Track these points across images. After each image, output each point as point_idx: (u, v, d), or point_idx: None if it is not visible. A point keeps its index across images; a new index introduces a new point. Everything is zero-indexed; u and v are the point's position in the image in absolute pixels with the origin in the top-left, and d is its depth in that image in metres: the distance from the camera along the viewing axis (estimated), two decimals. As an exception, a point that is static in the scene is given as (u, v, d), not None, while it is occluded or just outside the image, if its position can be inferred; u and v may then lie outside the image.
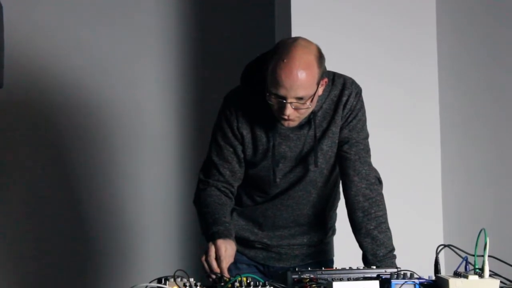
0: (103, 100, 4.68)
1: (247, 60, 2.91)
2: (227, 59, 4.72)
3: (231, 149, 2.86)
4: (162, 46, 4.76)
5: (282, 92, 2.62)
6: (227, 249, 2.68)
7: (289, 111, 2.66)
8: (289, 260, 3.02)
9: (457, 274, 2.41)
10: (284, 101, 2.64)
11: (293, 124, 2.75)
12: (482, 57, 4.15)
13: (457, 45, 4.28)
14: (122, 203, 4.68)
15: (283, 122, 2.73)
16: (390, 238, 2.89)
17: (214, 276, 2.62)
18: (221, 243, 2.68)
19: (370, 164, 2.92)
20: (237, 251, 2.87)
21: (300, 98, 2.65)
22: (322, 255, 3.08)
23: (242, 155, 2.87)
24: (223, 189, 2.89)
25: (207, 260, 2.66)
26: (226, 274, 2.62)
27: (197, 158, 4.51)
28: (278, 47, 2.68)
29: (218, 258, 2.65)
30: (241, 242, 2.96)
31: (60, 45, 4.67)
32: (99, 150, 4.68)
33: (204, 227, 2.81)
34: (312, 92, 2.66)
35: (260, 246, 3.00)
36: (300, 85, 2.61)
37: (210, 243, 2.69)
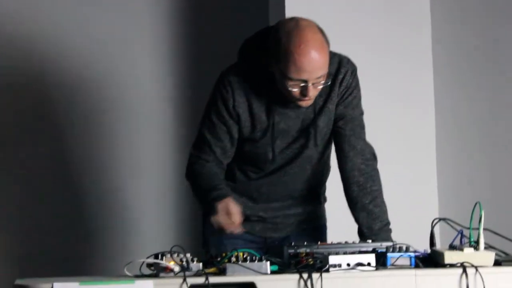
0: (98, 80, 4.65)
1: (240, 36, 2.90)
2: (221, 36, 4.69)
3: (224, 128, 2.86)
4: (155, 25, 4.73)
5: (304, 76, 2.67)
6: (236, 206, 2.74)
7: (312, 92, 2.71)
8: (285, 229, 3.01)
9: (452, 247, 2.43)
10: (306, 84, 2.69)
11: (311, 102, 2.78)
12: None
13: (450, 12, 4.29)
14: (118, 180, 4.68)
15: (301, 103, 2.77)
16: (385, 212, 2.92)
17: (230, 231, 2.66)
18: (229, 200, 2.73)
19: (365, 140, 2.94)
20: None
21: (319, 77, 2.70)
22: (317, 221, 3.09)
23: (236, 135, 2.88)
24: (213, 163, 2.90)
25: (219, 218, 2.69)
26: (241, 228, 2.67)
27: (192, 134, 4.52)
28: (284, 31, 2.69)
29: (230, 214, 2.70)
30: None
31: (57, 29, 4.64)
32: (94, 127, 4.67)
33: (201, 196, 2.84)
34: (327, 68, 2.72)
35: (255, 219, 3.00)
36: (320, 66, 2.68)
37: (217, 203, 2.73)
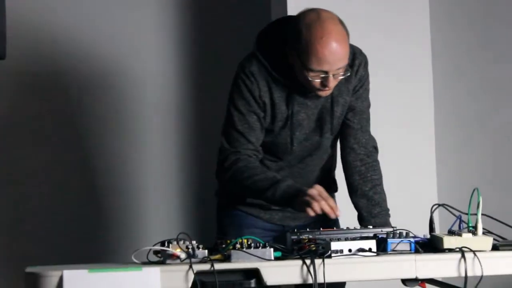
0: (102, 80, 4.67)
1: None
2: (223, 36, 4.70)
3: (255, 117, 2.85)
4: (161, 16, 4.75)
5: (325, 67, 2.70)
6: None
7: (333, 82, 2.74)
8: (303, 218, 2.98)
9: (451, 232, 2.47)
10: (327, 75, 2.71)
11: (329, 92, 2.81)
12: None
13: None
14: (123, 168, 4.70)
15: (320, 93, 2.78)
16: (384, 200, 2.98)
17: (337, 214, 2.66)
18: (317, 186, 2.70)
19: (369, 133, 3.00)
20: (253, 215, 2.97)
21: (339, 68, 2.73)
22: None
23: (264, 123, 2.88)
24: (253, 156, 2.88)
25: (318, 204, 2.64)
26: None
27: (199, 118, 4.57)
28: (305, 23, 2.71)
29: (326, 198, 2.66)
30: (256, 205, 2.97)
31: (62, 17, 4.65)
32: (97, 125, 4.68)
33: (260, 191, 2.79)
34: (348, 59, 2.75)
35: (275, 208, 2.97)
36: (341, 57, 2.71)
37: (306, 189, 2.69)
